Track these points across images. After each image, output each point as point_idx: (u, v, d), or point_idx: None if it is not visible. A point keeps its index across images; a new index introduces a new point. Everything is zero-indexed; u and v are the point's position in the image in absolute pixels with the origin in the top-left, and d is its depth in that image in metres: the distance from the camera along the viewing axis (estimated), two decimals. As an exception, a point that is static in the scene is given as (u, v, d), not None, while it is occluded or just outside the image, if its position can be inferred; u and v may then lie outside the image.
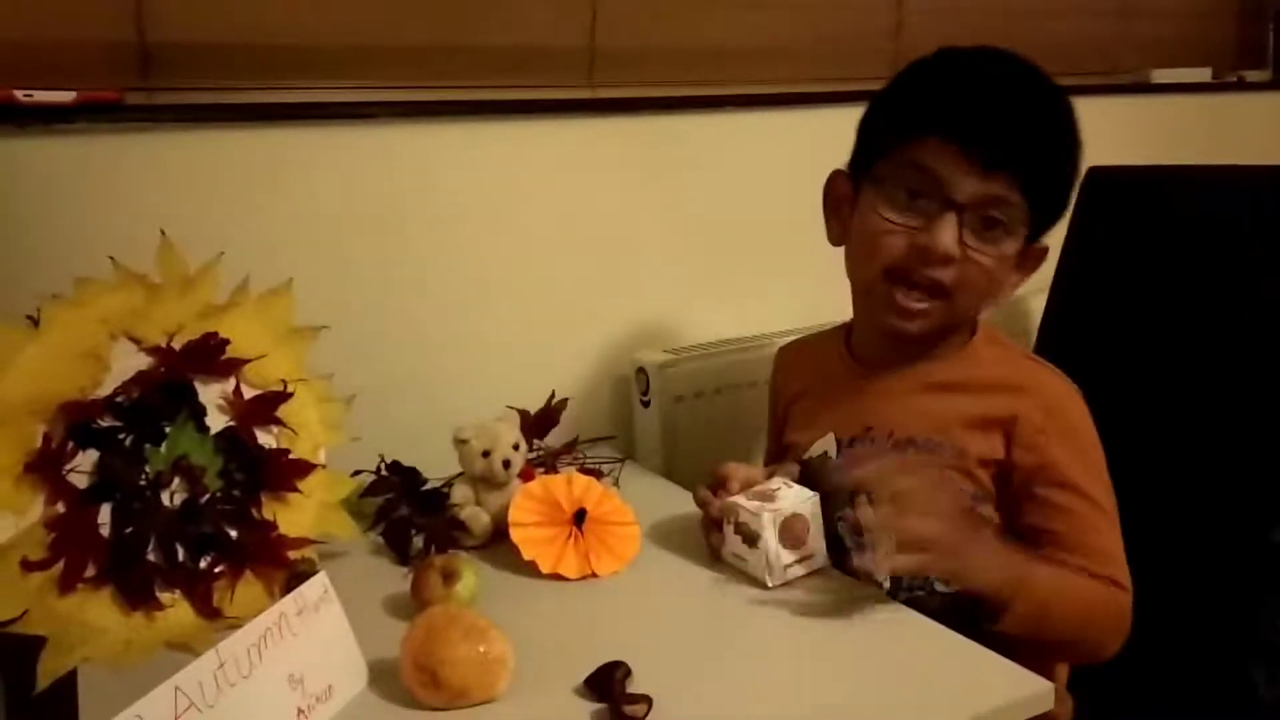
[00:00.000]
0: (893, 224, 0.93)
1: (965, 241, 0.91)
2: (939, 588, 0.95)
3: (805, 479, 0.99)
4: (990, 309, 1.00)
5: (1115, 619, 0.91)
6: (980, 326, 1.03)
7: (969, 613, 0.93)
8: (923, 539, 0.82)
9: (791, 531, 0.90)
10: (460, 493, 1.06)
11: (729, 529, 0.93)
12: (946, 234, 0.90)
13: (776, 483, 0.95)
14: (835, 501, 0.98)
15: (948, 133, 0.90)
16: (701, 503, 0.98)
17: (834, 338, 1.10)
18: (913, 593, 0.95)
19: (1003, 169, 0.90)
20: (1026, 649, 0.88)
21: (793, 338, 1.21)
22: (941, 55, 0.98)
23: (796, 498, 0.92)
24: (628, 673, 0.76)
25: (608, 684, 0.75)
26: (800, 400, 1.11)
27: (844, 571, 0.95)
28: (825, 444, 1.04)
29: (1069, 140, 0.95)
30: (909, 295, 0.94)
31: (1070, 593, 0.89)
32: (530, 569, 0.96)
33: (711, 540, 0.97)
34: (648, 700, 0.73)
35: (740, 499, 0.92)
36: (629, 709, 0.72)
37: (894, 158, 0.94)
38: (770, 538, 0.89)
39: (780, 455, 1.11)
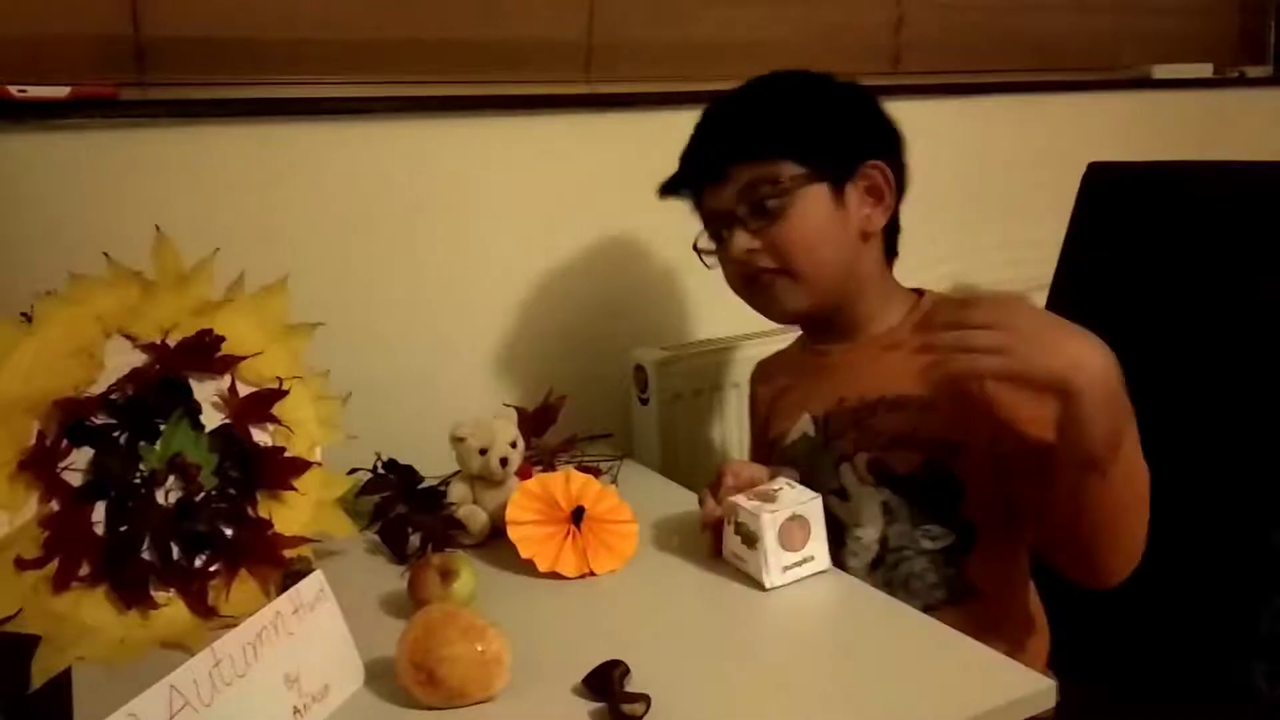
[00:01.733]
0: (720, 256, 1.07)
1: (754, 228, 1.02)
2: (925, 545, 0.98)
3: (793, 463, 1.05)
4: (866, 243, 1.04)
5: (1144, 529, 0.88)
6: (928, 293, 1.08)
7: (953, 575, 0.96)
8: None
9: (791, 533, 0.90)
10: (457, 491, 1.06)
11: (729, 528, 0.93)
12: (736, 239, 1.02)
13: (779, 483, 0.94)
14: (823, 476, 1.02)
15: (689, 182, 1.08)
16: (704, 500, 0.98)
17: (798, 338, 1.16)
18: (900, 553, 0.98)
19: (727, 166, 1.02)
20: (1085, 539, 0.87)
21: (788, 334, 1.21)
22: None
23: (797, 499, 0.91)
24: (626, 671, 0.76)
25: (606, 683, 0.74)
26: (778, 398, 1.14)
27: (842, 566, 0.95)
28: (802, 426, 1.07)
29: (774, 97, 1.04)
30: (758, 294, 1.05)
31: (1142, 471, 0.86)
32: (528, 567, 0.95)
33: (712, 538, 0.97)
34: (646, 699, 0.72)
35: (741, 499, 0.92)
36: (627, 708, 0.72)
37: (701, 218, 1.09)
38: (769, 539, 0.89)
39: (765, 458, 1.12)
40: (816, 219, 1.01)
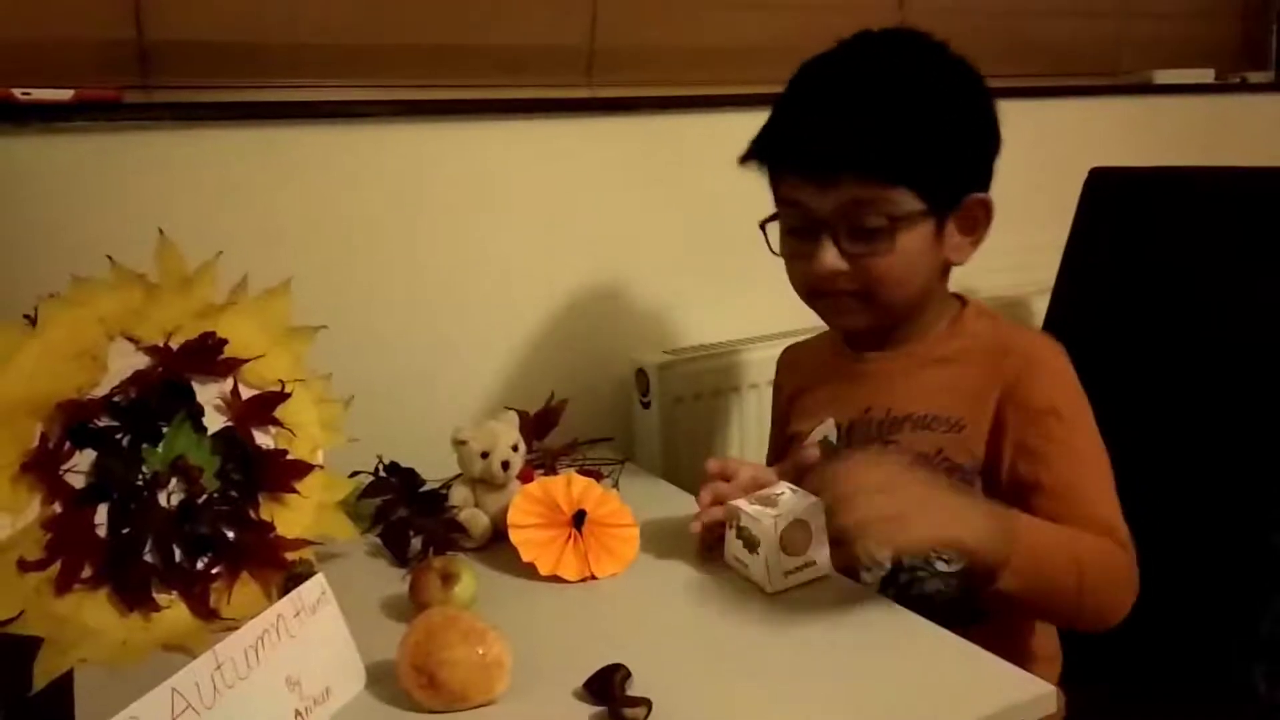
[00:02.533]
0: (792, 251, 0.99)
1: (850, 251, 0.94)
2: (940, 567, 0.96)
3: (805, 467, 1.01)
4: (945, 275, 1.02)
5: (1115, 575, 0.89)
6: (970, 301, 1.05)
7: (970, 594, 0.94)
8: (881, 518, 0.81)
9: (793, 538, 0.90)
10: (459, 494, 1.06)
11: (731, 532, 0.93)
12: (825, 255, 0.94)
13: (781, 487, 0.94)
14: None
15: (787, 165, 0.97)
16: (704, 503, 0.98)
17: (833, 333, 1.12)
18: (914, 573, 0.96)
19: (841, 175, 0.92)
20: (1031, 617, 0.92)
21: (792, 339, 1.21)
22: (789, 87, 0.99)
23: (799, 503, 0.91)
24: (627, 675, 0.76)
25: (607, 686, 0.74)
26: (803, 393, 1.12)
27: (846, 574, 0.95)
28: (825, 429, 1.05)
29: (909, 112, 0.92)
30: (821, 302, 1.00)
31: (1064, 545, 0.88)
32: (529, 571, 0.95)
33: (719, 540, 0.96)
34: (647, 703, 0.72)
35: (743, 503, 0.92)
36: (628, 712, 0.72)
37: (776, 197, 1.00)
38: (771, 544, 0.89)
39: (783, 452, 1.11)
40: (914, 255, 0.95)
